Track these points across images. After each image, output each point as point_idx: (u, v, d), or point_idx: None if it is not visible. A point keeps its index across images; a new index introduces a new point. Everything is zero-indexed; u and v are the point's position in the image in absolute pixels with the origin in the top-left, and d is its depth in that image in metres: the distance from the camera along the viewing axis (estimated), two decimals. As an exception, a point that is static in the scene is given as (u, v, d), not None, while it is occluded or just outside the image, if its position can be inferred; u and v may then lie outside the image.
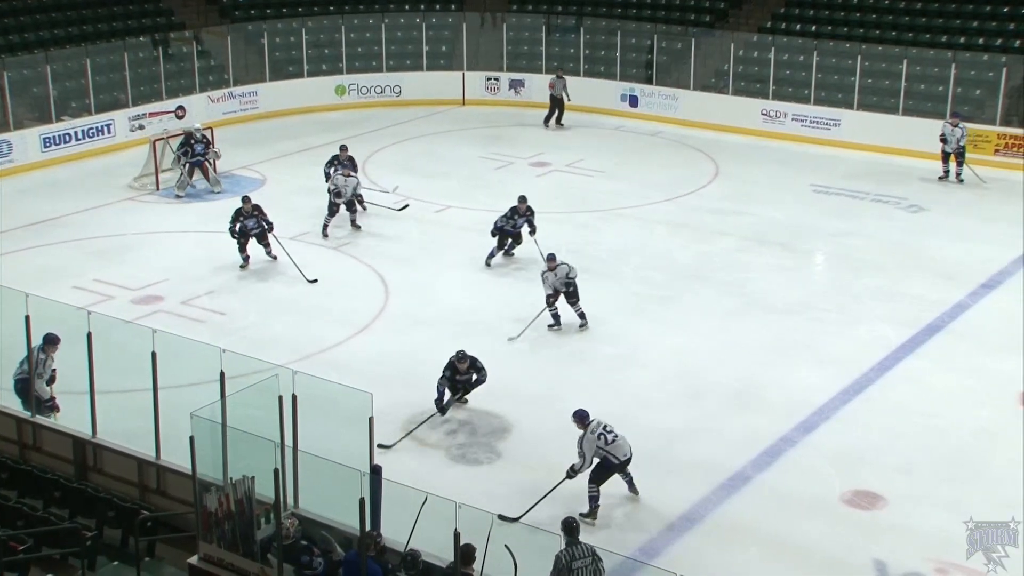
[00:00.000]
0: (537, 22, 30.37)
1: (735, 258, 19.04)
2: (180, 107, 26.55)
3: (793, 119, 26.35)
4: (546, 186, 22.51)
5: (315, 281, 17.87)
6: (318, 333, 16.02)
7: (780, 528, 11.80)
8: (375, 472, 9.59)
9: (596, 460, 11.83)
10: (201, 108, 26.77)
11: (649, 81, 28.40)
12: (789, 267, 18.70)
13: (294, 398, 10.07)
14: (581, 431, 11.87)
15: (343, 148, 21.28)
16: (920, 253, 19.25)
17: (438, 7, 31.51)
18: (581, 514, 11.35)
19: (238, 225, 18.22)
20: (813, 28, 28.22)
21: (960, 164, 22.84)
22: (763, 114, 26.75)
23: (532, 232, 18.47)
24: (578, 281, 16.16)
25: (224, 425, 10.07)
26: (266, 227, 18.32)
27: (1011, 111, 24.42)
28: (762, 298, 17.39)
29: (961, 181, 22.83)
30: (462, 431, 13.61)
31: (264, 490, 9.45)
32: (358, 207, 20.27)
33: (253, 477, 9.34)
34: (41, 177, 23.38)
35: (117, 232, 20.20)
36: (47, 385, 12.60)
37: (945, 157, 22.96)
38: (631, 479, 12.15)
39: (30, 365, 12.24)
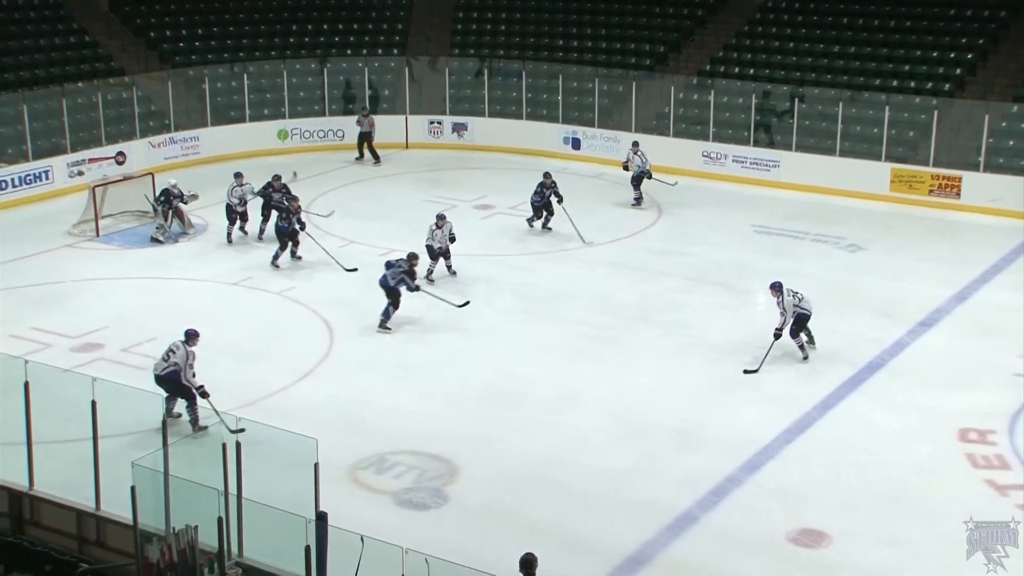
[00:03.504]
0: (479, 66, 30.61)
1: (677, 298, 19.20)
2: (120, 153, 26.31)
3: (733, 160, 26.75)
4: (489, 228, 22.59)
5: (355, 269, 19.80)
6: (262, 378, 15.89)
7: (727, 568, 11.84)
8: (321, 519, 9.51)
9: (792, 317, 16.00)
10: (142, 154, 26.56)
11: (591, 124, 28.71)
12: (731, 306, 18.89)
13: (238, 445, 9.98)
14: (778, 298, 16.06)
15: (276, 177, 22.05)
16: (859, 292, 19.55)
17: (380, 52, 31.67)
18: (804, 358, 16.23)
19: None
20: (751, 72, 28.74)
21: (638, 187, 24.34)
22: (704, 156, 27.12)
23: (560, 200, 21.82)
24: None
25: (166, 474, 9.96)
26: (289, 208, 20.40)
27: (942, 152, 24.98)
28: (704, 338, 17.53)
29: (639, 201, 24.35)
30: (408, 475, 13.53)
31: (208, 539, 9.35)
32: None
33: (196, 526, 9.23)
34: (-23, 224, 23.04)
35: (56, 279, 19.92)
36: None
37: (634, 182, 24.37)
38: (811, 334, 16.35)
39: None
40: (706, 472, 13.49)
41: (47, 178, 25.01)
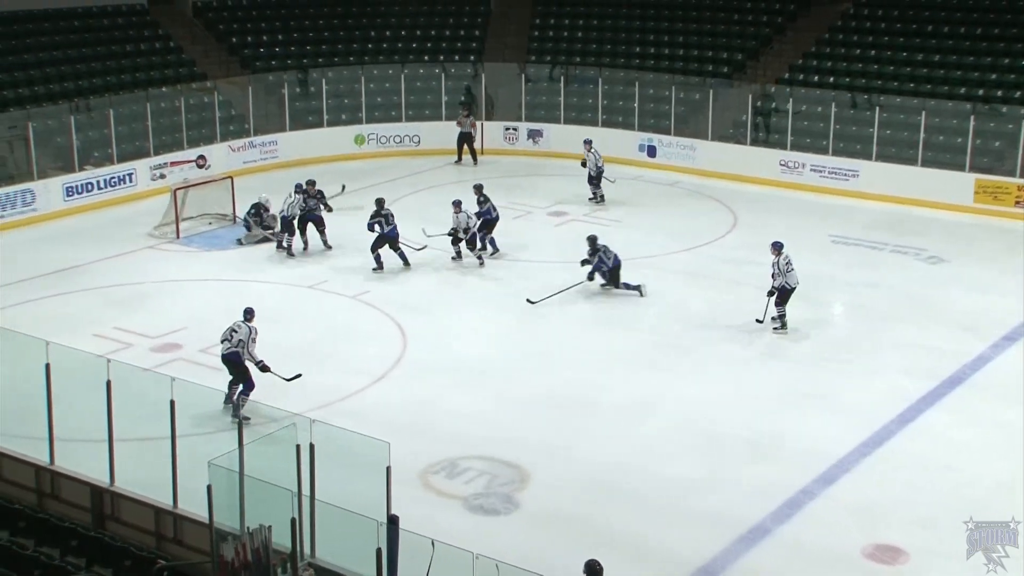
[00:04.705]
0: (555, 73, 30.61)
1: (752, 308, 18.97)
2: (201, 156, 26.80)
3: (811, 170, 26.41)
4: (564, 235, 22.57)
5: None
6: (335, 382, 16.03)
7: (800, 582, 11.69)
8: (392, 522, 9.57)
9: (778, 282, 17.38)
10: (222, 157, 27.02)
11: (667, 131, 28.56)
12: (807, 317, 18.60)
13: (311, 447, 10.08)
14: (776, 257, 17.51)
15: (311, 183, 22.02)
16: (940, 304, 19.17)
17: (457, 58, 31.85)
18: (775, 329, 17.53)
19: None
20: (831, 79, 28.33)
21: (597, 184, 24.75)
22: (781, 164, 26.82)
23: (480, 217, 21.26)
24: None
25: (241, 474, 10.09)
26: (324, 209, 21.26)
27: (1030, 163, 24.40)
28: (779, 348, 17.34)
29: (602, 199, 24.86)
30: (479, 481, 13.55)
31: (281, 539, 9.45)
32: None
33: (270, 526, 9.34)
34: (63, 226, 23.59)
35: (137, 280, 20.33)
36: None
37: (590, 180, 24.73)
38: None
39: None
40: (780, 484, 13.32)
41: (130, 181, 25.55)
